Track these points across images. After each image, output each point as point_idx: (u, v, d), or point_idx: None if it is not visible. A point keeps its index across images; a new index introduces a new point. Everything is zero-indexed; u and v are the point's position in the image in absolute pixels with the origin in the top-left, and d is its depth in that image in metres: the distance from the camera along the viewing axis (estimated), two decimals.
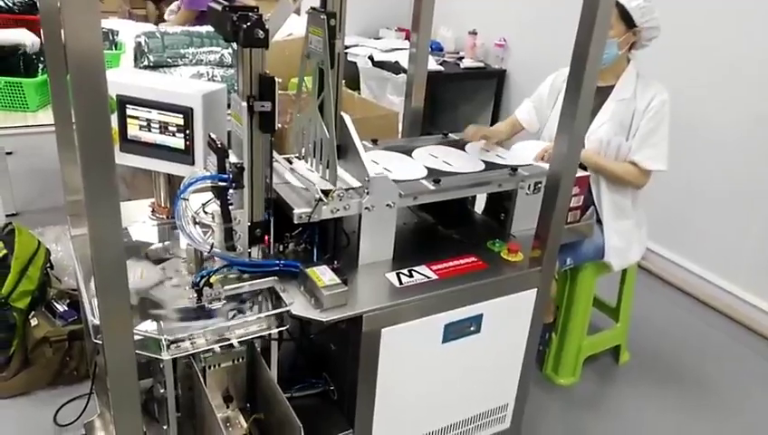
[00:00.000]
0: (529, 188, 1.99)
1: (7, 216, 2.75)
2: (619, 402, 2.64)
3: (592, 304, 2.66)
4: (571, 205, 2.13)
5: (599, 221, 2.43)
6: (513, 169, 1.99)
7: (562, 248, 2.23)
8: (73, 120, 1.11)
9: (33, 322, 2.36)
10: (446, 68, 4.62)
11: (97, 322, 1.30)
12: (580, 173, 2.14)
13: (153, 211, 1.96)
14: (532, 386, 2.56)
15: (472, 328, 1.83)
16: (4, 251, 2.38)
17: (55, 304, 2.46)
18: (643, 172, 2.36)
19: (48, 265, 2.53)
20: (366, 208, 1.68)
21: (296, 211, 1.61)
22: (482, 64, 4.77)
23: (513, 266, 1.88)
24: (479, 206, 2.20)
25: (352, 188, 1.68)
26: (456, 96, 5.04)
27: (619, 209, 2.44)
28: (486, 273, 1.83)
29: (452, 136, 2.29)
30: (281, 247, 1.76)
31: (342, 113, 1.73)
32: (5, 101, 2.71)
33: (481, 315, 1.83)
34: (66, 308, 2.45)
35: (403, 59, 4.28)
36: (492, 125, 4.58)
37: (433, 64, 4.44)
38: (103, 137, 1.11)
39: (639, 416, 2.56)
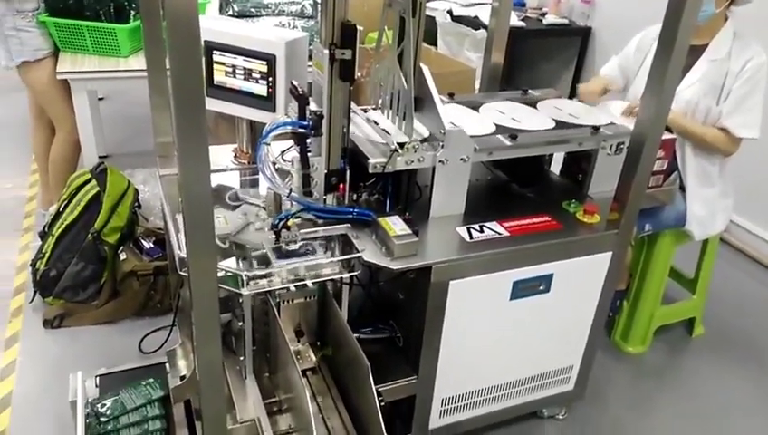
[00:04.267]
0: (611, 148, 1.93)
1: (99, 157, 2.92)
2: (689, 376, 2.58)
3: (669, 273, 2.57)
4: (654, 169, 2.05)
5: (681, 188, 2.33)
6: (595, 127, 1.93)
7: (641, 213, 2.17)
8: (167, 66, 1.16)
9: (122, 256, 2.53)
10: (527, 24, 4.47)
11: (183, 255, 1.38)
12: (666, 136, 2.05)
13: (236, 156, 2.03)
14: (600, 352, 2.53)
15: (541, 287, 1.83)
16: (97, 189, 2.54)
17: (142, 240, 2.63)
18: (733, 139, 2.23)
19: (136, 204, 2.68)
20: (440, 162, 1.68)
21: (371, 161, 1.63)
22: (566, 21, 4.58)
23: (588, 228, 1.84)
24: (556, 166, 2.16)
25: (427, 141, 1.69)
26: (537, 54, 4.87)
27: (705, 176, 2.33)
28: (560, 233, 1.81)
29: (531, 93, 2.24)
30: (355, 197, 1.79)
31: (421, 65, 1.72)
32: (99, 47, 2.83)
33: (551, 275, 1.82)
34: (152, 245, 2.61)
35: (483, 14, 4.17)
36: (573, 86, 4.45)
37: (514, 20, 4.30)
38: (195, 81, 1.16)
39: (709, 391, 2.49)
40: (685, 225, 2.36)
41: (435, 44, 4.40)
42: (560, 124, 1.99)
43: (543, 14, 4.66)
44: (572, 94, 3.04)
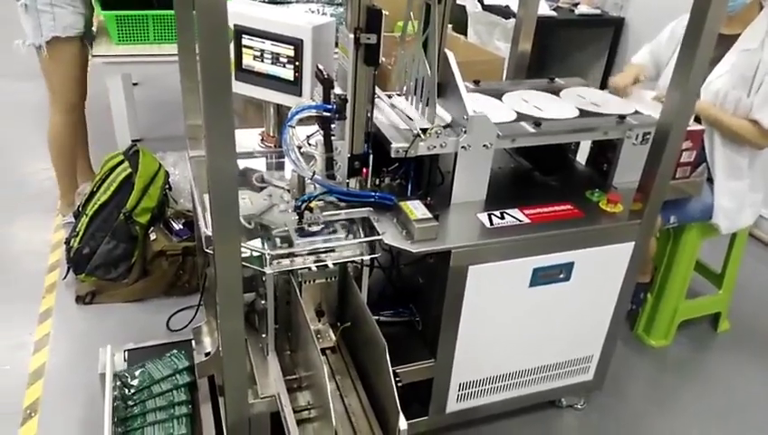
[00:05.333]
0: (636, 138, 1.92)
1: (132, 141, 3.00)
2: (713, 371, 2.55)
3: (694, 267, 2.54)
4: (682, 160, 2.05)
5: (709, 180, 2.30)
6: (621, 116, 1.91)
7: (667, 205, 2.16)
8: (197, 51, 1.20)
9: (152, 236, 2.60)
10: (559, 14, 4.41)
11: (210, 233, 1.43)
12: (695, 127, 2.03)
13: (262, 140, 2.07)
14: (621, 344, 2.54)
15: (561, 275, 1.83)
16: (129, 170, 2.61)
17: (172, 222, 2.70)
18: (764, 132, 2.18)
19: (167, 186, 2.75)
20: (462, 147, 1.70)
21: (394, 145, 1.66)
22: (598, 11, 4.51)
23: (611, 217, 1.84)
24: (582, 156, 2.15)
25: (450, 127, 1.70)
26: (569, 45, 4.81)
27: (734, 168, 2.29)
28: (582, 221, 1.81)
29: (558, 81, 2.23)
30: (377, 181, 1.82)
31: (446, 50, 1.73)
32: (132, 33, 2.89)
33: (572, 263, 1.82)
34: (181, 227, 2.68)
35: (514, 4, 4.13)
36: (605, 78, 4.39)
37: (546, 9, 4.25)
38: (223, 65, 1.20)
39: (733, 387, 2.46)
40: (711, 218, 2.33)
41: (465, 34, 4.38)
42: (584, 113, 1.98)
43: (575, 4, 4.60)
44: (603, 86, 3.01)
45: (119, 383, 1.85)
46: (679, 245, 2.44)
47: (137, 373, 1.87)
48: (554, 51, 4.76)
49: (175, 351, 1.98)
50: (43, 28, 2.62)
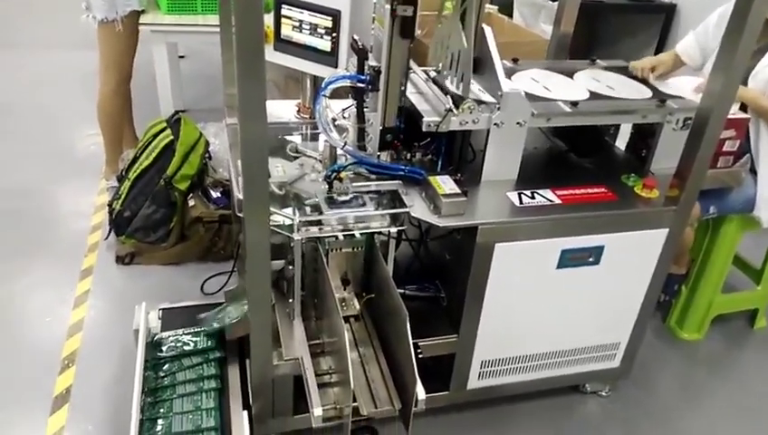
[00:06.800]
0: (677, 123, 1.87)
1: (176, 111, 3.07)
2: (746, 368, 2.49)
3: (732, 261, 2.48)
4: (725, 149, 1.99)
5: (753, 171, 2.23)
6: (662, 100, 1.87)
7: (707, 195, 2.11)
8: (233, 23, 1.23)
9: (191, 202, 2.67)
10: None
11: (241, 196, 1.46)
12: (739, 115, 1.97)
13: (298, 111, 2.10)
14: (652, 335, 2.50)
15: (591, 259, 1.81)
16: (171, 137, 2.68)
17: (210, 190, 2.76)
18: None
19: (207, 155, 2.81)
20: (495, 124, 1.69)
21: (425, 119, 1.66)
22: None
23: (645, 202, 1.81)
24: (622, 142, 2.11)
25: (484, 103, 1.70)
26: (618, 31, 4.68)
27: None
28: (615, 205, 1.79)
29: (600, 62, 2.19)
30: (408, 156, 1.82)
31: (484, 25, 1.72)
32: (181, 3, 2.95)
33: (602, 247, 1.80)
34: (219, 195, 2.74)
35: None
36: None
37: None
38: (256, 33, 1.23)
39: (767, 386, 2.40)
40: (753, 210, 2.26)
41: (510, 15, 4.32)
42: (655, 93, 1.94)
43: None
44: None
45: (152, 340, 1.91)
46: (718, 236, 2.38)
47: (170, 331, 1.93)
48: (603, 36, 4.64)
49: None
50: (117, 3, 2.70)
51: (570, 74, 2.08)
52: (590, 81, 2.04)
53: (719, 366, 2.49)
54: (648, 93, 1.97)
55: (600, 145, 2.09)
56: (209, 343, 1.90)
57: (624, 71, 2.15)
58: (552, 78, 2.04)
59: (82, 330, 2.34)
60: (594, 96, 1.92)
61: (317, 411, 1.49)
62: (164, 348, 1.87)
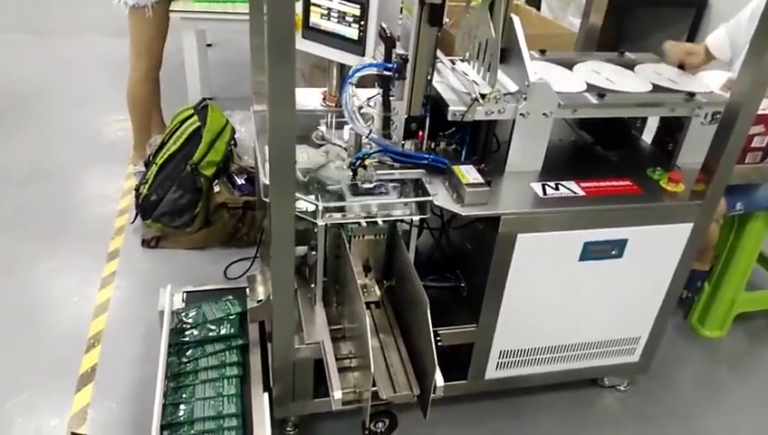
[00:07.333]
0: (705, 117, 1.85)
1: (203, 98, 3.11)
2: None
3: (757, 259, 2.44)
4: (753, 145, 1.97)
5: None
6: (691, 94, 1.85)
7: (734, 191, 2.08)
8: (265, 11, 1.25)
9: (216, 188, 2.71)
10: None
11: (268, 181, 1.49)
12: None
13: (324, 99, 2.11)
14: (673, 332, 2.49)
15: (614, 252, 1.81)
16: (198, 124, 2.72)
17: (235, 176, 2.80)
18: None
19: (233, 142, 2.85)
20: (521, 114, 1.69)
21: (451, 108, 1.66)
22: None
23: (670, 196, 1.80)
24: (648, 135, 2.09)
25: (510, 93, 1.69)
26: (647, 26, 4.61)
27: None
28: (639, 198, 1.78)
29: (628, 55, 2.17)
30: (432, 145, 1.83)
31: (512, 15, 1.72)
32: None
33: (625, 241, 1.79)
34: (244, 182, 2.78)
35: None
36: None
37: None
38: (287, 20, 1.24)
39: None
40: None
41: (538, 8, 4.29)
42: (658, 89, 1.92)
43: None
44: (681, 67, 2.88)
45: (175, 320, 1.96)
46: (743, 233, 2.35)
47: (192, 313, 1.97)
48: (632, 30, 4.57)
49: (230, 296, 2.07)
50: None
51: (630, 67, 2.06)
52: (653, 75, 2.01)
53: (741, 364, 2.47)
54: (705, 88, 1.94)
55: (627, 138, 2.07)
56: (232, 330, 1.93)
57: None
58: (616, 71, 2.02)
59: (108, 310, 2.39)
60: (659, 89, 1.90)
61: (337, 395, 1.51)
62: (187, 333, 1.91)
